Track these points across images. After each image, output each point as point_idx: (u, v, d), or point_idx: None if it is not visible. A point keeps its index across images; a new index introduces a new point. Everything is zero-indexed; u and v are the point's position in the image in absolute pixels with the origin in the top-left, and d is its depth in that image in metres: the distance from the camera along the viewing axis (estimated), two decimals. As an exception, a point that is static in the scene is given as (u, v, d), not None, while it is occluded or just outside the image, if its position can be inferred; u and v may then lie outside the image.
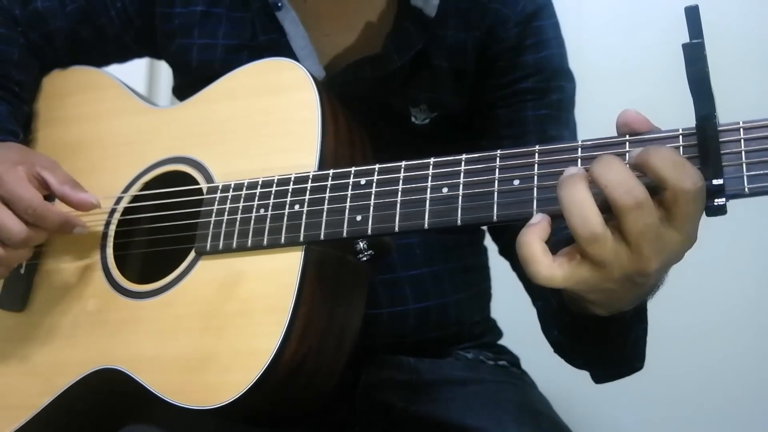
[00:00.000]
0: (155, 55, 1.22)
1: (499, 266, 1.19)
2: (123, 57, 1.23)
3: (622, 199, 0.67)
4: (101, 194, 1.03)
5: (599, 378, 0.93)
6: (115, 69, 1.21)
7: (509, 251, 1.10)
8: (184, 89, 1.14)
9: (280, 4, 1.07)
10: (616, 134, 0.75)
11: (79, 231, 1.00)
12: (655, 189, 0.67)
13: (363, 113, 1.02)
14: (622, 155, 0.72)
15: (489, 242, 1.24)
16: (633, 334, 0.85)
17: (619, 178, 0.68)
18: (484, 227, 1.21)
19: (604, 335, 0.83)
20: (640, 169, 0.69)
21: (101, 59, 1.20)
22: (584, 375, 0.95)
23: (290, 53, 1.06)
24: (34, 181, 0.98)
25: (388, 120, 1.07)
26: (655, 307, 0.83)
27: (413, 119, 1.08)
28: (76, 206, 1.00)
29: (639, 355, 0.89)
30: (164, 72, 1.97)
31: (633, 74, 1.66)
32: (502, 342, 1.23)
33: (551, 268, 0.70)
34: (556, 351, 0.95)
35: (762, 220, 1.50)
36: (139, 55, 1.24)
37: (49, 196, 1.00)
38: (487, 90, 1.08)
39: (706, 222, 0.70)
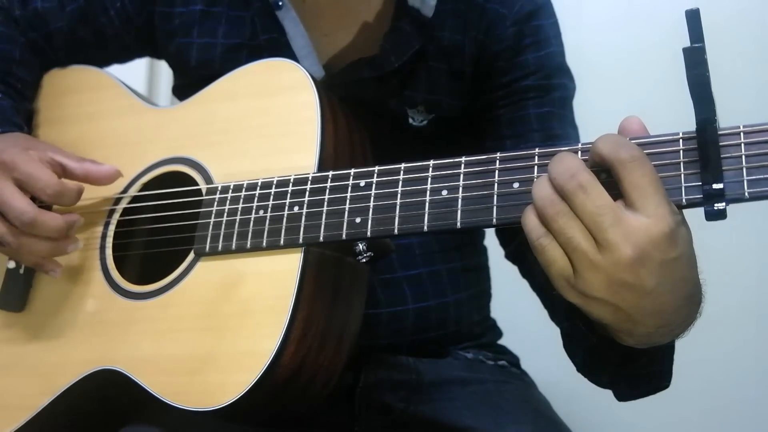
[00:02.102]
0: (155, 55, 1.22)
1: (499, 266, 1.19)
2: (123, 57, 1.23)
3: (567, 185, 0.68)
4: (100, 194, 1.03)
5: (623, 396, 0.90)
6: (115, 69, 1.21)
7: (518, 257, 1.10)
8: (184, 89, 1.13)
9: (281, 3, 1.07)
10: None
11: (73, 249, 0.99)
12: (608, 174, 0.69)
13: (362, 114, 1.01)
14: None
15: (489, 242, 1.24)
16: (661, 354, 0.83)
17: (563, 167, 0.69)
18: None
19: (631, 357, 0.81)
20: (591, 158, 0.70)
21: (101, 59, 1.20)
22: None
23: (290, 53, 1.06)
24: (47, 164, 0.98)
25: (386, 121, 1.07)
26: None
27: (411, 120, 1.07)
28: (101, 180, 1.00)
29: (666, 374, 0.86)
30: (164, 72, 1.96)
31: (632, 75, 1.65)
32: (502, 342, 1.23)
33: None
34: (579, 371, 0.92)
35: (762, 222, 1.50)
36: (140, 55, 1.24)
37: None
38: (487, 91, 1.07)
39: (705, 224, 0.69)
